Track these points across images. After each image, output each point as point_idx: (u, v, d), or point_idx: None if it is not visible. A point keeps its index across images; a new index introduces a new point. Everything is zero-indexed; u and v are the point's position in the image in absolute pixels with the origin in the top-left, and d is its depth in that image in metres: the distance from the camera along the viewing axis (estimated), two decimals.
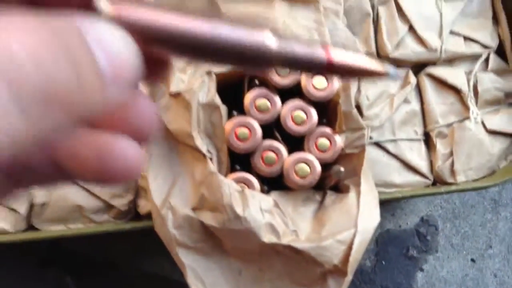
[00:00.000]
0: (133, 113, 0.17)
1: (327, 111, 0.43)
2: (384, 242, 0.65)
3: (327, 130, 0.41)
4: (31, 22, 0.13)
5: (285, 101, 0.41)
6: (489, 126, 0.48)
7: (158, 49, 0.16)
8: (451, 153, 0.48)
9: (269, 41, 0.17)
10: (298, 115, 0.40)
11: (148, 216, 0.40)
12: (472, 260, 0.66)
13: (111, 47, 0.14)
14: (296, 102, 0.41)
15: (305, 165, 0.41)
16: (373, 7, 0.48)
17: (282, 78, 0.40)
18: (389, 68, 0.18)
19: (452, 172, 0.48)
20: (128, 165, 0.16)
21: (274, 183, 0.42)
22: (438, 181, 0.49)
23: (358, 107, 0.47)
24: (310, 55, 0.17)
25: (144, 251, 0.59)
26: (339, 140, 0.41)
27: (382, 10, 0.48)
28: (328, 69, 0.17)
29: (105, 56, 0.14)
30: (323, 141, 0.41)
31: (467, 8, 0.49)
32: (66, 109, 0.13)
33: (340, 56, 0.17)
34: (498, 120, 0.48)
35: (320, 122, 0.42)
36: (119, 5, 0.15)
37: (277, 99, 0.41)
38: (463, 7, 0.49)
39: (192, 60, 0.18)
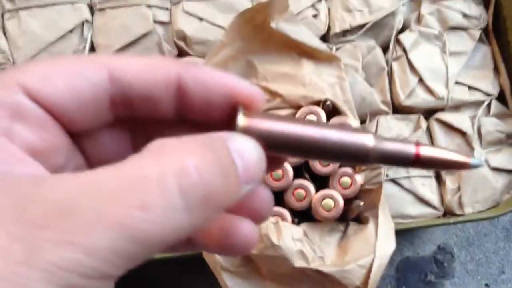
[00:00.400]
0: (254, 200, 0.21)
1: None
2: (404, 269, 0.69)
3: (348, 170, 0.48)
4: (195, 142, 0.17)
5: None
6: (493, 164, 0.54)
7: (279, 152, 0.20)
8: (459, 188, 0.54)
9: (368, 141, 0.20)
10: None
11: None
12: (486, 285, 0.70)
13: (246, 155, 0.18)
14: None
15: (330, 200, 0.47)
16: (387, 62, 0.55)
17: None
18: (473, 160, 0.20)
19: (460, 204, 0.54)
20: (246, 241, 0.20)
21: (303, 215, 0.48)
22: (448, 212, 0.55)
23: None
24: (401, 152, 0.20)
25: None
26: (359, 178, 0.48)
27: (395, 65, 0.55)
28: (416, 163, 0.20)
29: (242, 163, 0.18)
30: (345, 180, 0.48)
31: (470, 61, 0.56)
32: (217, 207, 0.17)
33: (428, 152, 0.20)
34: (500, 158, 0.54)
35: (342, 164, 0.48)
36: (251, 118, 0.19)
37: None
38: (467, 60, 0.55)
39: (302, 158, 0.22)
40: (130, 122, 0.21)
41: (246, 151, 0.18)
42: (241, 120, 0.19)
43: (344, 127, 0.20)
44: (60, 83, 0.18)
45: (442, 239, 0.70)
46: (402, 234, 0.69)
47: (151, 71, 0.19)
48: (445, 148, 0.20)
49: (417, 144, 0.20)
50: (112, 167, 0.16)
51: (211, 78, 0.20)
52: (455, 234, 0.71)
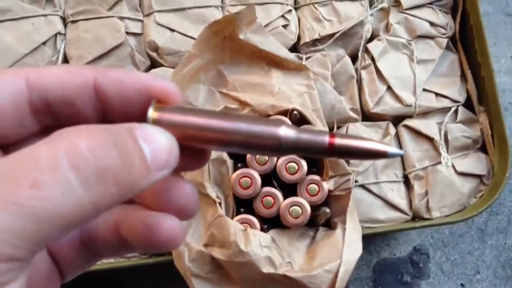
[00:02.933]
0: (177, 196, 0.21)
1: (316, 161, 0.51)
2: (381, 270, 0.70)
3: (316, 177, 0.49)
4: (93, 128, 0.18)
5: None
6: (459, 169, 0.55)
7: (194, 143, 0.21)
8: (426, 193, 0.55)
9: (280, 132, 0.20)
10: (291, 166, 0.48)
11: (169, 251, 0.48)
12: (462, 285, 0.71)
13: (154, 142, 0.19)
14: (289, 156, 0.49)
15: (298, 207, 0.48)
16: (356, 70, 0.56)
17: None
18: (391, 149, 0.20)
19: (428, 209, 0.55)
20: (170, 237, 0.20)
21: (273, 222, 0.49)
22: (416, 216, 0.56)
23: None
24: (315, 141, 0.20)
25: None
26: (326, 186, 0.49)
27: (364, 73, 0.56)
28: (329, 152, 0.20)
29: (150, 148, 0.18)
30: (313, 187, 0.49)
31: (437, 68, 0.57)
32: (116, 183, 0.17)
33: (342, 141, 0.20)
34: (467, 163, 0.56)
35: (310, 171, 0.49)
36: (163, 111, 0.20)
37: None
38: (434, 68, 0.57)
39: (219, 149, 0.21)
40: (56, 129, 0.21)
41: (154, 138, 0.19)
42: (152, 112, 0.20)
43: (258, 118, 0.21)
44: None
45: (417, 240, 0.71)
46: (378, 236, 0.70)
47: (67, 76, 0.20)
48: (361, 138, 0.21)
49: (332, 134, 0.20)
50: (8, 156, 0.17)
51: (125, 77, 0.21)
52: (431, 235, 0.71)
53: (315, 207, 0.49)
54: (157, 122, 0.20)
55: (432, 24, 0.57)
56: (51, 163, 0.16)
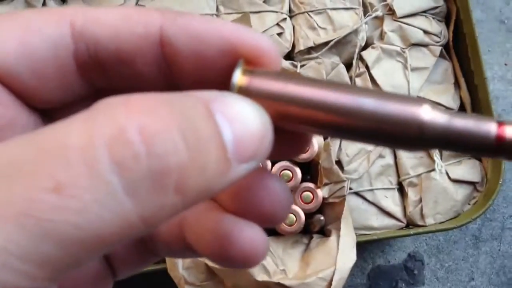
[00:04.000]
0: (261, 197, 0.16)
1: (311, 169, 0.51)
2: (375, 277, 0.70)
3: (310, 185, 0.49)
4: (153, 101, 0.12)
5: (274, 163, 0.49)
6: (453, 176, 0.56)
7: (294, 125, 0.15)
8: (420, 200, 0.55)
9: (423, 113, 0.14)
10: (285, 174, 0.49)
11: (163, 259, 0.47)
12: None
13: (240, 123, 0.13)
14: (283, 163, 0.49)
15: (292, 215, 0.48)
16: (351, 78, 0.57)
17: None
18: None
19: (422, 216, 0.55)
20: (248, 252, 0.15)
21: (267, 229, 0.50)
22: (410, 223, 0.56)
23: (340, 163, 0.55)
24: (474, 132, 0.14)
25: None
26: (320, 193, 0.49)
27: (358, 81, 0.56)
28: (497, 149, 0.14)
29: (233, 132, 0.13)
30: (307, 194, 0.49)
31: (431, 76, 0.57)
32: (180, 191, 0.12)
33: None
34: (461, 170, 0.56)
35: (304, 179, 0.50)
36: (255, 76, 0.14)
37: (268, 162, 0.49)
38: (428, 76, 0.57)
39: (331, 135, 0.16)
40: (110, 94, 0.14)
41: (240, 117, 0.13)
42: (239, 77, 0.14)
43: (388, 94, 0.14)
44: (12, 44, 0.14)
45: (412, 247, 0.71)
46: (373, 243, 0.70)
47: (124, 23, 0.15)
48: None
49: (501, 122, 0.14)
50: (28, 135, 0.12)
51: (204, 27, 0.15)
52: (425, 242, 0.72)
53: (309, 215, 0.49)
54: (245, 92, 0.14)
55: (425, 32, 0.58)
56: (85, 155, 0.11)
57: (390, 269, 0.71)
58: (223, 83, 0.15)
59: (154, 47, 0.15)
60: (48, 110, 0.16)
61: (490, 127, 0.14)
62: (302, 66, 0.56)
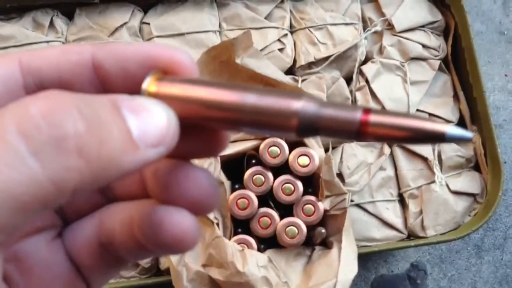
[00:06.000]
0: (187, 186, 0.18)
1: (312, 182, 0.52)
2: (379, 286, 0.70)
3: (312, 198, 0.50)
4: (61, 93, 0.15)
5: (277, 177, 0.50)
6: (453, 187, 0.56)
7: (197, 121, 0.17)
8: (421, 212, 0.56)
9: (299, 105, 0.16)
10: (287, 187, 0.50)
11: (168, 271, 0.49)
12: None
13: (145, 113, 0.16)
14: (285, 177, 0.50)
15: (294, 227, 0.49)
16: (351, 92, 0.58)
17: (273, 158, 0.50)
18: (450, 128, 0.15)
19: (423, 227, 0.56)
20: (178, 235, 0.17)
21: (269, 242, 0.50)
22: (411, 235, 0.57)
23: (341, 175, 0.56)
24: (342, 119, 0.16)
25: None
26: (322, 206, 0.50)
27: (358, 95, 0.58)
28: (363, 133, 0.16)
29: (138, 122, 0.16)
30: (309, 207, 0.50)
31: (431, 89, 0.58)
32: (82, 155, 0.14)
33: (379, 119, 0.15)
34: (461, 182, 0.57)
35: (306, 192, 0.51)
36: (163, 82, 0.17)
37: (270, 175, 0.50)
38: (428, 89, 0.58)
39: (228, 129, 0.18)
40: None
41: (145, 110, 0.16)
42: (148, 83, 0.17)
43: (274, 90, 0.17)
44: None
45: (415, 256, 0.72)
46: (376, 253, 0.71)
47: (62, 56, 0.18)
48: (404, 114, 0.16)
49: (366, 110, 0.16)
50: None
51: (126, 49, 0.18)
52: (428, 251, 0.72)
53: (311, 227, 0.50)
54: (154, 95, 0.17)
55: (424, 46, 0.59)
56: None
57: (393, 279, 0.71)
58: None
59: (88, 71, 0.18)
60: None
61: (356, 114, 0.16)
62: (303, 80, 0.57)
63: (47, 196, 0.14)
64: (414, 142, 0.15)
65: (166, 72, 0.18)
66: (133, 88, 0.18)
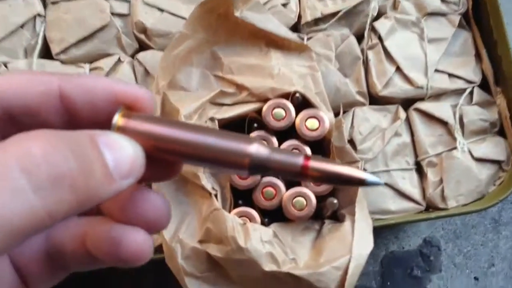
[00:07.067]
0: (144, 208, 0.20)
1: (321, 148, 0.47)
2: (389, 264, 0.67)
3: None
4: (51, 133, 0.17)
5: (282, 142, 0.45)
6: (476, 154, 0.51)
7: (162, 154, 0.20)
8: (441, 181, 0.51)
9: (253, 150, 0.19)
10: None
11: (160, 248, 0.44)
12: (476, 278, 0.68)
13: (118, 150, 0.18)
14: (291, 142, 0.45)
15: (302, 198, 0.45)
16: (362, 51, 0.52)
17: (277, 121, 0.45)
18: (369, 177, 0.19)
19: (443, 198, 0.51)
20: (135, 253, 0.20)
21: (274, 215, 0.46)
22: (430, 206, 0.52)
23: (352, 142, 0.51)
24: (287, 163, 0.20)
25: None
26: None
27: (370, 54, 0.52)
28: (304, 175, 0.19)
29: (113, 156, 0.18)
30: None
31: (450, 47, 0.53)
32: (74, 190, 0.17)
33: (317, 165, 0.19)
34: (484, 148, 0.52)
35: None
36: (130, 118, 0.20)
37: (274, 140, 0.45)
38: (447, 47, 0.53)
39: (187, 163, 0.21)
40: None
41: (117, 145, 0.18)
42: (117, 119, 0.19)
43: (230, 134, 0.20)
44: None
45: (427, 232, 0.68)
46: (387, 228, 0.67)
47: (29, 85, 0.19)
48: (338, 163, 0.20)
49: (307, 157, 0.20)
50: None
51: (93, 83, 0.20)
52: (442, 226, 0.69)
53: (320, 198, 0.45)
54: (122, 130, 0.19)
55: (443, 0, 0.53)
56: (1, 168, 0.16)
57: (405, 256, 0.68)
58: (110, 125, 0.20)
59: (54, 101, 0.20)
60: None
61: (298, 160, 0.20)
62: (309, 38, 0.52)
63: (41, 224, 0.16)
64: (343, 184, 0.20)
65: (129, 107, 0.20)
66: (98, 118, 0.20)
